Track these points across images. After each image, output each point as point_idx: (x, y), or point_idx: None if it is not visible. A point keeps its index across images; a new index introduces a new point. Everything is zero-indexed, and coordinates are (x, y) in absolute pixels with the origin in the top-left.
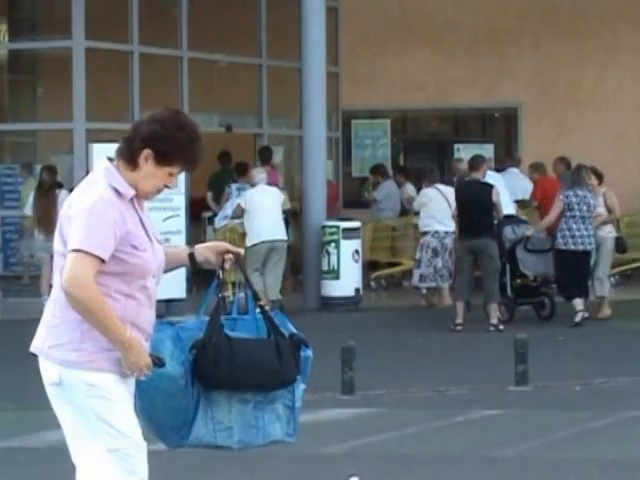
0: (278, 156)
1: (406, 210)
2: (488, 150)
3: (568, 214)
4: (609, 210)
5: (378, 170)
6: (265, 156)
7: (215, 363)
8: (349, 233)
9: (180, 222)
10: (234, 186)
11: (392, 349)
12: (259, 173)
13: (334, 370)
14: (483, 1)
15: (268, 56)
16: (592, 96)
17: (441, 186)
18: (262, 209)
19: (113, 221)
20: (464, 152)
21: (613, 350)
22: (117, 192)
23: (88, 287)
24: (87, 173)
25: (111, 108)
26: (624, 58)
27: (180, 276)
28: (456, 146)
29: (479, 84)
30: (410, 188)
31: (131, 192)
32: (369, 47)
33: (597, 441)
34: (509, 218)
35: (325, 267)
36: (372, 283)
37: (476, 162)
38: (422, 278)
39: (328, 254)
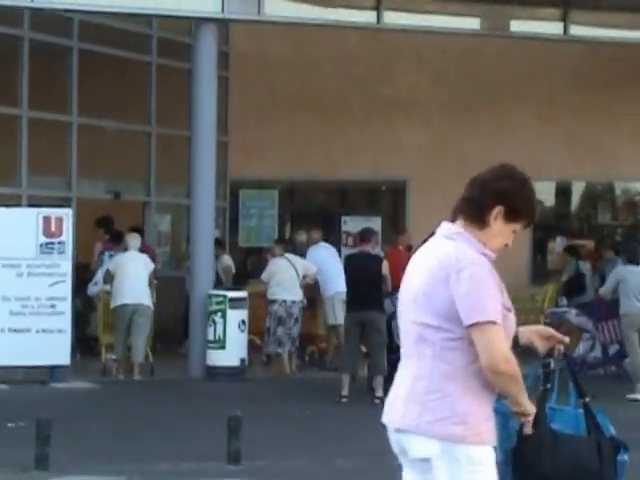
0: (165, 224)
1: (221, 281)
2: (375, 223)
3: None
4: None
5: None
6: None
7: (538, 455)
8: (236, 303)
9: (66, 288)
10: (107, 253)
11: (279, 420)
12: (132, 239)
13: (220, 440)
14: (373, 74)
15: (158, 124)
16: (481, 168)
17: (290, 255)
18: (127, 273)
19: (495, 286)
20: (351, 224)
21: None
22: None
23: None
24: None
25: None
26: (513, 134)
27: (64, 341)
28: (343, 218)
29: (368, 157)
30: (227, 258)
31: (493, 255)
32: (259, 117)
33: None
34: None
35: (211, 336)
36: None
37: (366, 234)
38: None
39: (214, 323)
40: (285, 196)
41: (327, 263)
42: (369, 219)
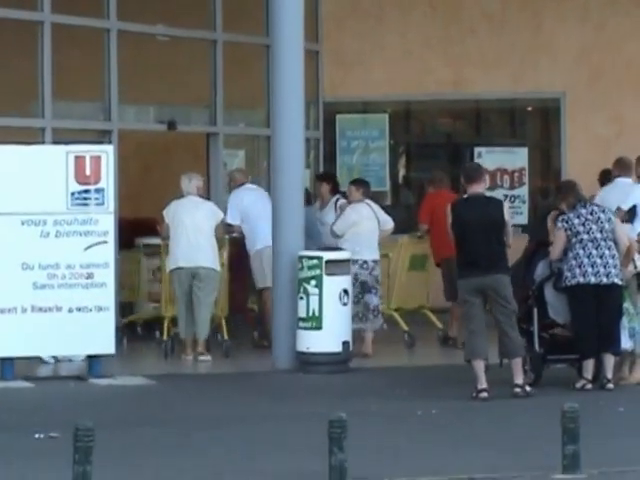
0: (238, 163)
1: None
2: (521, 155)
3: (574, 240)
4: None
5: None
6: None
7: None
8: (335, 267)
9: (108, 251)
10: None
11: (395, 423)
12: (188, 180)
13: (318, 452)
14: None
15: (225, 28)
16: None
17: (371, 202)
18: (182, 226)
19: None
20: (488, 158)
21: None
22: None
23: None
24: None
25: (13, 98)
26: None
27: (107, 323)
28: (477, 150)
29: (507, 66)
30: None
31: None
32: (361, 17)
33: None
34: (546, 247)
35: (303, 313)
36: None
37: (473, 172)
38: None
39: (307, 295)
40: (398, 122)
41: (254, 209)
42: (511, 150)
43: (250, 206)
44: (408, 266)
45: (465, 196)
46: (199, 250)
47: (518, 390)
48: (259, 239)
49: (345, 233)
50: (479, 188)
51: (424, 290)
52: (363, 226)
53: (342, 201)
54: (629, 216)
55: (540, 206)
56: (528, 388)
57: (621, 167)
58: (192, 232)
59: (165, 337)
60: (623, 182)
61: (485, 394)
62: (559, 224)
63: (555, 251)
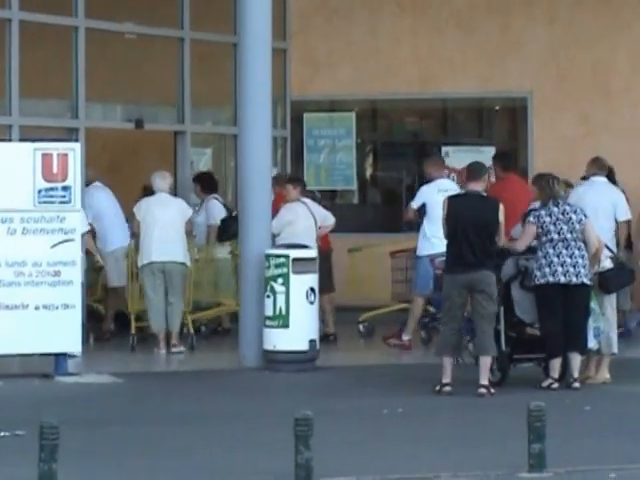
0: (204, 162)
1: None
2: (488, 155)
3: (544, 239)
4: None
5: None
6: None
7: None
8: (302, 265)
9: (75, 249)
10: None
11: (362, 421)
12: (159, 178)
13: (284, 450)
14: None
15: (193, 26)
16: (628, 83)
17: (308, 200)
18: (155, 222)
19: None
20: (455, 157)
21: None
22: None
23: None
24: None
25: None
26: None
27: (73, 321)
28: (444, 149)
29: (475, 66)
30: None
31: None
32: (329, 15)
33: None
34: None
35: (270, 311)
36: None
37: (475, 170)
38: None
39: (274, 293)
40: (365, 121)
41: (109, 209)
42: (479, 149)
43: (106, 205)
44: None
45: (463, 192)
46: (171, 245)
47: (483, 391)
48: (115, 239)
49: (281, 232)
50: (477, 186)
51: None
52: (299, 225)
53: (212, 201)
54: None
55: None
56: (492, 390)
57: (598, 166)
58: (164, 227)
59: (132, 331)
60: (599, 181)
61: (449, 388)
62: (530, 219)
63: (522, 243)
